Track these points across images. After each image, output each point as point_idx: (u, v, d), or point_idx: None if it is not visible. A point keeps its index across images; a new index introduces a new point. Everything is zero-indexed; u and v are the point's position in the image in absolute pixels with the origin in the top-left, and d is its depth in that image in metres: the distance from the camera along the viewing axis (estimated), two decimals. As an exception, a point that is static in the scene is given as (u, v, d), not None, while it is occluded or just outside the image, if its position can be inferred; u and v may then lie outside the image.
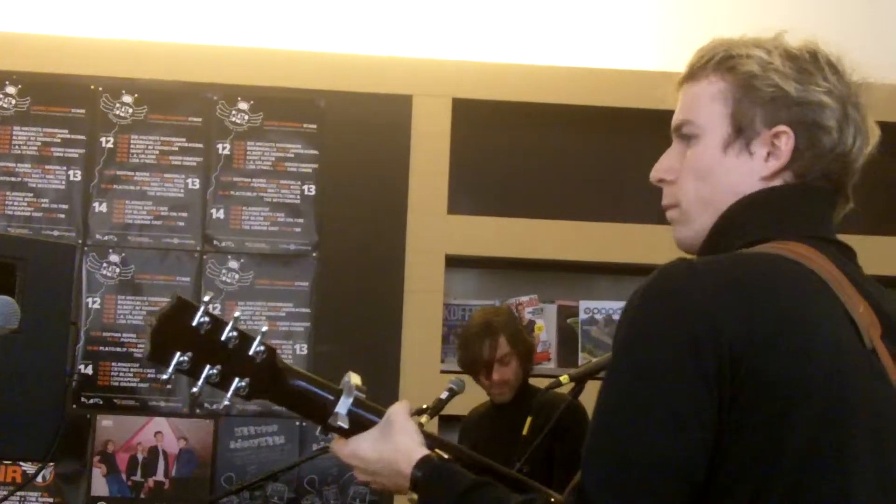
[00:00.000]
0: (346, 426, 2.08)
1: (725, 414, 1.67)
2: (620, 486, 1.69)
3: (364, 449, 2.09)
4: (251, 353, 1.99)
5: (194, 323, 1.93)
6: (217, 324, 1.96)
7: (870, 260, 2.02)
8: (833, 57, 1.96)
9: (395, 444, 2.07)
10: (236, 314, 2.00)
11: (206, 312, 1.94)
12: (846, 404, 1.70)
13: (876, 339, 1.79)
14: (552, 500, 2.12)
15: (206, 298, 1.95)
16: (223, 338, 1.96)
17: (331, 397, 2.08)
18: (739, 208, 1.93)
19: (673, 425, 1.68)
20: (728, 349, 1.67)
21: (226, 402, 2.01)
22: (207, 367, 1.96)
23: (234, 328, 1.97)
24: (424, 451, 2.06)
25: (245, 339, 1.99)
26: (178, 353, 1.93)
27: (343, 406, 2.08)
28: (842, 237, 1.95)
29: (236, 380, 1.99)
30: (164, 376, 1.95)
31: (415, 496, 2.01)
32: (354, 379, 2.11)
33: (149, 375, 5.88)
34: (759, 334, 1.69)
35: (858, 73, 1.98)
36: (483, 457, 2.21)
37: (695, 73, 2.01)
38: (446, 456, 2.09)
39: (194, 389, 1.98)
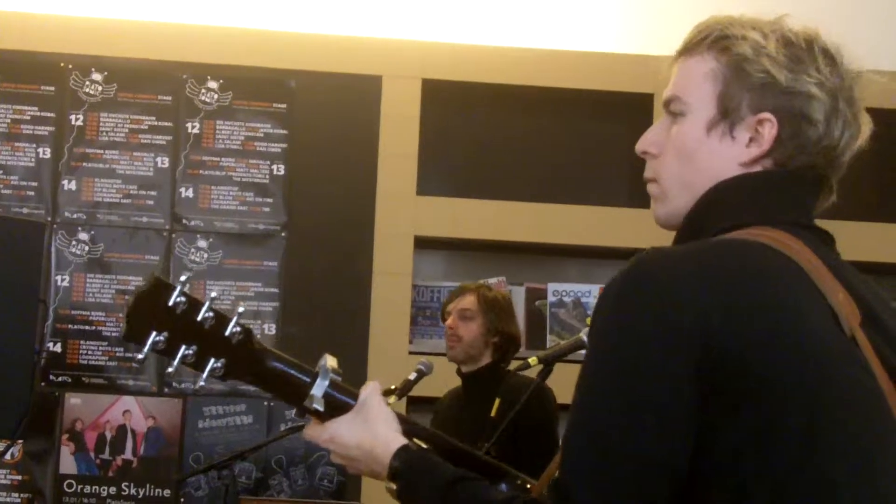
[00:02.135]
0: (321, 408, 2.07)
1: (708, 406, 1.66)
2: (602, 483, 1.67)
3: (341, 434, 2.07)
4: (227, 333, 1.98)
5: (170, 303, 1.93)
6: (193, 304, 1.95)
7: (861, 247, 2.00)
8: (831, 46, 1.92)
9: (373, 431, 2.05)
10: (213, 294, 1.98)
11: (183, 292, 1.94)
12: (829, 394, 1.69)
13: (855, 327, 1.77)
14: (528, 486, 2.14)
15: (183, 278, 1.94)
16: (199, 318, 1.95)
17: (307, 379, 2.06)
18: (716, 193, 1.91)
19: (655, 421, 1.67)
20: (709, 340, 1.66)
21: (201, 383, 2.01)
22: (183, 347, 1.95)
23: (210, 308, 1.96)
24: (402, 441, 2.03)
25: (221, 319, 1.98)
26: (153, 333, 1.92)
27: (319, 388, 2.07)
28: (831, 223, 1.93)
29: (212, 360, 1.97)
30: (140, 356, 1.94)
31: (392, 485, 2.00)
32: (330, 361, 2.10)
33: (117, 354, 5.88)
34: (740, 324, 1.68)
35: (857, 65, 1.93)
36: (460, 442, 2.21)
37: (690, 48, 1.97)
38: (424, 445, 2.08)
39: (170, 369, 1.97)
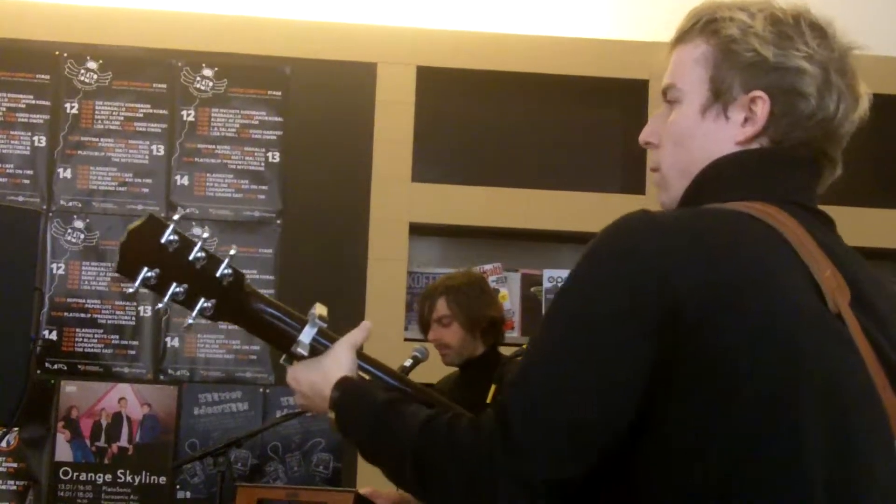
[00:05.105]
0: (306, 354, 2.10)
1: (665, 367, 1.67)
2: (543, 420, 1.69)
3: (298, 373, 2.15)
4: (218, 274, 2.01)
5: (163, 240, 1.95)
6: (185, 243, 1.98)
7: (859, 232, 1.99)
8: (821, 20, 1.94)
9: (322, 368, 2.10)
10: (205, 235, 2.00)
11: (176, 231, 1.96)
12: (799, 366, 1.68)
13: (843, 305, 1.77)
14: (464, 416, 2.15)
15: (176, 217, 1.97)
16: (191, 257, 1.98)
17: (296, 326, 2.11)
18: (710, 170, 1.93)
19: (598, 375, 1.69)
20: (672, 305, 1.66)
21: (189, 321, 2.03)
22: (174, 284, 1.98)
23: (201, 249, 1.99)
24: (344, 373, 2.08)
25: (213, 260, 2.01)
26: (145, 269, 1.95)
27: (307, 335, 2.11)
28: (828, 208, 1.93)
29: (202, 300, 2.00)
30: (131, 290, 1.97)
31: (332, 415, 2.03)
32: (319, 310, 2.14)
33: (113, 342, 5.88)
34: (713, 290, 1.68)
35: (848, 39, 1.95)
36: (406, 378, 2.20)
37: (683, 36, 2.01)
38: (366, 377, 2.12)
39: (160, 305, 2.00)
